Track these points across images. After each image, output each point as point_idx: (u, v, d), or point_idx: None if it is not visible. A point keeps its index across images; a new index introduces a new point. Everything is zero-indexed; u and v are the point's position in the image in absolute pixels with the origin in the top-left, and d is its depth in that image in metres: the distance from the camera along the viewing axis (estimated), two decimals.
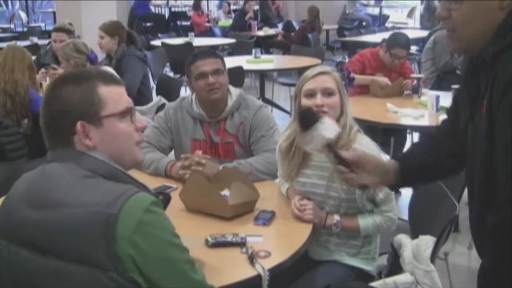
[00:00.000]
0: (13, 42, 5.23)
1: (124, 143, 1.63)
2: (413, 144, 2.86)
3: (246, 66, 6.94)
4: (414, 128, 4.68)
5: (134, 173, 2.90)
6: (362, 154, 1.85)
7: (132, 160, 1.66)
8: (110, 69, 4.55)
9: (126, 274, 1.40)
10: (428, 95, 4.58)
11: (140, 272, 1.42)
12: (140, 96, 5.00)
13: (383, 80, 4.88)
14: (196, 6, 13.40)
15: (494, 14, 1.51)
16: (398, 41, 4.87)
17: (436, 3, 10.93)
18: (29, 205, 1.51)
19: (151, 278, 1.43)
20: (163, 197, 1.67)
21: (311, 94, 2.36)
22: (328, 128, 1.81)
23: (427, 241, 2.24)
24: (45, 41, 8.25)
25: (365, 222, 2.41)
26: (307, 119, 1.86)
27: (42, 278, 1.46)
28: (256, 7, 13.72)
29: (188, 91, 3.13)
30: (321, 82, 2.37)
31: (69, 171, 1.52)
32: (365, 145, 2.35)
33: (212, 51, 3.19)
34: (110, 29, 5.26)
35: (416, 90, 4.80)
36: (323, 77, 2.38)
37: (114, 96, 1.61)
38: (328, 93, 2.36)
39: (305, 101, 2.36)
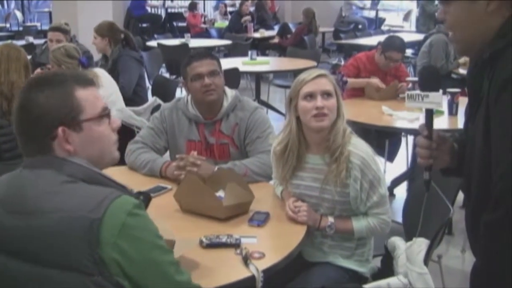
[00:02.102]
0: (9, 41, 5.22)
1: (104, 145, 1.63)
2: None
3: (242, 68, 6.95)
4: (409, 131, 4.68)
5: (129, 174, 2.93)
6: (440, 133, 1.82)
7: (111, 160, 1.68)
8: (102, 70, 4.56)
9: (111, 278, 1.40)
10: None
11: (125, 276, 1.42)
12: (135, 97, 5.01)
13: (376, 81, 4.88)
14: (192, 7, 13.40)
15: (483, 17, 1.53)
16: (393, 44, 4.88)
17: (431, 7, 10.97)
18: (8, 212, 1.49)
19: (136, 281, 1.44)
20: (143, 197, 1.66)
21: (310, 96, 2.36)
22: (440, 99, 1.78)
23: (420, 244, 2.25)
24: (41, 41, 8.23)
25: (359, 224, 2.42)
26: (433, 82, 1.82)
27: (25, 285, 1.45)
28: (252, 8, 13.71)
29: (184, 92, 3.13)
30: (321, 85, 2.37)
31: (49, 177, 1.51)
32: (360, 148, 2.37)
33: (208, 53, 3.19)
34: (101, 30, 5.26)
35: None
36: (322, 80, 2.39)
37: (92, 99, 1.60)
38: (327, 95, 2.37)
39: (304, 104, 2.36)
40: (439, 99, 1.77)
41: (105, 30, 5.25)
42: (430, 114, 1.80)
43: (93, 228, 1.39)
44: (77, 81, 1.60)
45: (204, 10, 15.96)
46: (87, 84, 1.62)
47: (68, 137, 1.55)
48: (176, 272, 1.51)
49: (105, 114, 1.63)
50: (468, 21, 1.57)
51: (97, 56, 5.74)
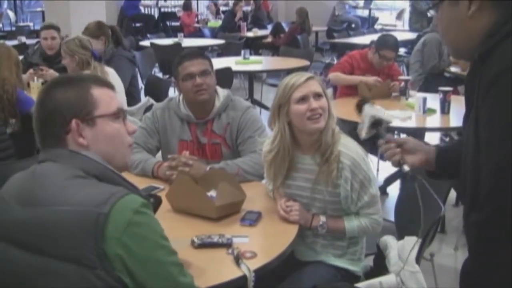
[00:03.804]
0: (1, 41, 5.20)
1: (117, 144, 1.66)
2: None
3: (235, 67, 6.95)
4: (402, 130, 4.69)
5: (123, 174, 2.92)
6: (407, 138, 1.94)
7: (122, 163, 1.69)
8: (112, 71, 4.55)
9: (113, 273, 1.42)
10: (416, 97, 4.60)
11: (128, 273, 1.43)
12: (128, 97, 4.98)
13: (372, 78, 4.87)
14: (186, 6, 13.38)
15: (467, 22, 1.55)
16: (387, 43, 4.89)
17: (423, 4, 10.99)
18: (19, 203, 1.53)
19: (138, 279, 1.45)
20: (154, 200, 1.69)
21: (303, 99, 2.36)
22: (376, 109, 1.94)
23: (412, 242, 2.25)
24: (33, 41, 8.20)
25: (350, 224, 2.42)
26: (360, 104, 2.04)
27: (30, 275, 1.47)
28: (246, 8, 13.70)
29: (177, 92, 3.13)
30: (312, 87, 2.38)
31: (62, 170, 1.54)
32: (350, 148, 2.37)
33: (199, 52, 3.19)
34: (94, 31, 5.22)
35: (403, 92, 4.82)
36: (312, 82, 2.40)
37: (106, 97, 1.65)
38: (318, 96, 2.38)
39: (297, 107, 2.35)
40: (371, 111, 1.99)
41: (97, 30, 5.23)
42: (375, 125, 2.02)
43: (99, 222, 1.41)
44: (94, 80, 1.66)
45: (198, 10, 15.93)
46: (104, 85, 1.68)
47: (81, 131, 1.59)
48: (180, 273, 1.52)
49: (119, 113, 1.66)
50: (453, 25, 1.60)
51: None
